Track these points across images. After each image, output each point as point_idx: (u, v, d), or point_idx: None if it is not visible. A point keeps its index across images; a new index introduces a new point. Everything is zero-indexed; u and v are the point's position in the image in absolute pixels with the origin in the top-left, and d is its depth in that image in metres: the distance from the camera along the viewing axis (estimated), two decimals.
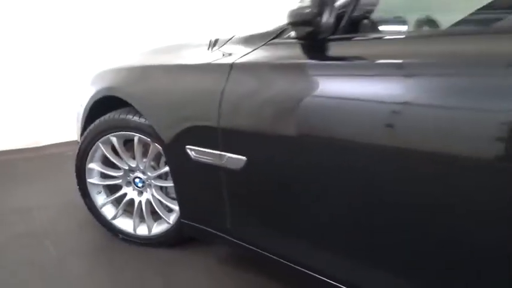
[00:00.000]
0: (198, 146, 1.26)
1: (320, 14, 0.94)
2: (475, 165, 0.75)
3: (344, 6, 1.01)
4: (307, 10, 0.95)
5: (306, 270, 1.13)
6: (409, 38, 1.02)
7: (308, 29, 0.99)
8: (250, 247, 1.29)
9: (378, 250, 0.96)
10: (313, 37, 1.01)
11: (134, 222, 1.68)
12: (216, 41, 1.36)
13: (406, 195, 0.86)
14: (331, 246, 1.06)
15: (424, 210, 0.84)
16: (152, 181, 1.61)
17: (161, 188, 1.62)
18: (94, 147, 1.63)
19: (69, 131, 2.73)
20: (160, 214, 1.61)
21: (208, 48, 1.36)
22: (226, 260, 1.60)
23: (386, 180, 0.88)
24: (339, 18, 1.01)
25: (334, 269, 1.08)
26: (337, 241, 1.04)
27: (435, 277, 0.88)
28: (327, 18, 0.95)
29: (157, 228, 1.66)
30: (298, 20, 0.99)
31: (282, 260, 1.20)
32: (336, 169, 0.96)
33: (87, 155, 1.65)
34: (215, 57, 1.27)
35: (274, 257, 1.22)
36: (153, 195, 1.62)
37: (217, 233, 1.37)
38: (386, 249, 0.94)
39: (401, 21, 1.38)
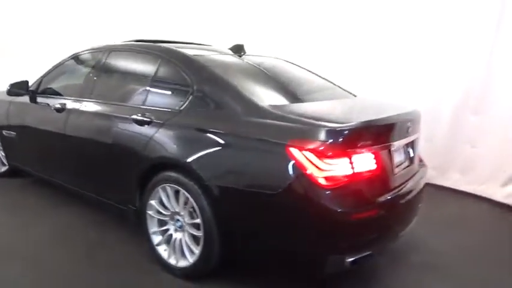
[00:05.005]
0: (5, 130, 3.54)
1: (27, 88, 3.26)
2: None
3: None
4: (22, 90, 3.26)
5: (53, 179, 3.37)
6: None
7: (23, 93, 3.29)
8: (33, 172, 3.51)
9: (66, 168, 3.23)
10: (28, 94, 3.30)
11: None
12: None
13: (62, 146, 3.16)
14: (51, 166, 3.31)
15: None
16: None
17: None
18: None
19: None
20: (5, 162, 3.83)
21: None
22: (34, 181, 3.81)
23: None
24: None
25: (58, 176, 3.30)
26: (52, 163, 3.29)
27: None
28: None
29: (2, 169, 3.87)
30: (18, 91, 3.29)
31: (44, 176, 3.41)
32: (36, 136, 3.25)
33: None
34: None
35: (42, 176, 3.43)
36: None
37: (18, 164, 3.60)
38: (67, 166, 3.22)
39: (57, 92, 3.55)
